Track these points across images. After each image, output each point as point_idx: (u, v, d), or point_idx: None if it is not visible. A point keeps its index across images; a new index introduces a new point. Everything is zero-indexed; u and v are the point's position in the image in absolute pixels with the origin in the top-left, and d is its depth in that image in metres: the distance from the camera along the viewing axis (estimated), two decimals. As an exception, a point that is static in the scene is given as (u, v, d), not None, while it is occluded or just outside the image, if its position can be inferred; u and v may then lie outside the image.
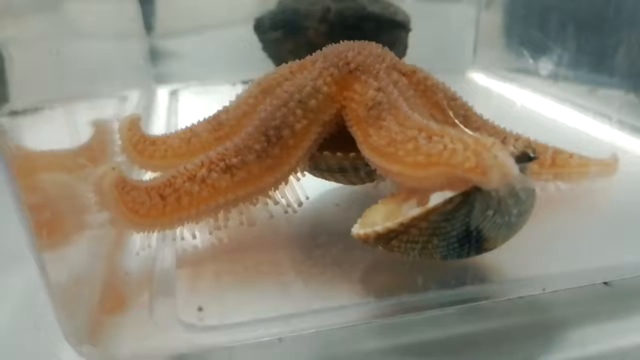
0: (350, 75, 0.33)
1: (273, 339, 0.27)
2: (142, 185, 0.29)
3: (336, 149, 0.32)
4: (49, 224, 0.24)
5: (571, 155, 0.39)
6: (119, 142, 0.36)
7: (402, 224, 0.26)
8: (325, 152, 0.32)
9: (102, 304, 0.28)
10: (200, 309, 0.27)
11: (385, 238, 0.27)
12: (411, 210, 0.26)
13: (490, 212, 0.26)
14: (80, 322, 0.25)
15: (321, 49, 0.36)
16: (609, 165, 0.40)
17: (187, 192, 0.29)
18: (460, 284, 0.30)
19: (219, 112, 0.36)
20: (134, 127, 0.36)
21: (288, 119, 0.31)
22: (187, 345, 0.27)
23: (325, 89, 0.32)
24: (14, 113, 0.25)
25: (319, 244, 0.33)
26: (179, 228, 0.31)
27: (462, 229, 0.26)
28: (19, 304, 0.31)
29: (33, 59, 0.28)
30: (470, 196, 0.25)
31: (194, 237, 0.33)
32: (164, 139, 0.36)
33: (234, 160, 0.30)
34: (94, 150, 0.33)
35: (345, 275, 0.30)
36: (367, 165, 0.31)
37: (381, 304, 0.28)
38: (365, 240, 0.27)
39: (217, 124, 0.35)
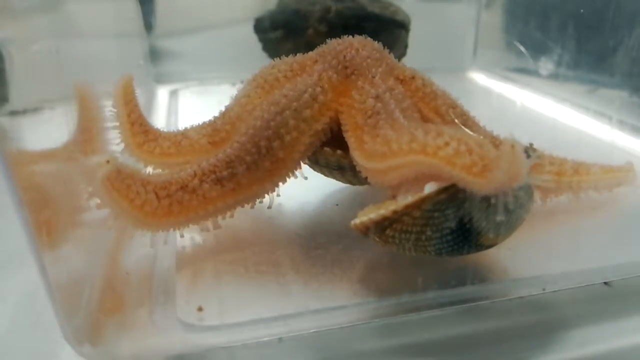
0: (347, 80, 0.32)
1: (273, 339, 0.27)
2: (139, 177, 0.29)
3: (337, 147, 0.32)
4: (48, 221, 0.24)
5: (591, 167, 0.38)
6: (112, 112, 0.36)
7: (395, 212, 0.26)
8: (326, 148, 0.32)
9: (102, 304, 0.28)
10: (200, 309, 0.27)
11: (380, 226, 0.27)
12: (405, 199, 0.26)
13: (484, 205, 0.25)
14: (80, 322, 0.25)
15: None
16: (629, 171, 0.39)
17: (179, 200, 0.29)
18: (460, 284, 0.30)
19: (215, 118, 0.36)
20: (130, 101, 0.35)
21: (279, 131, 0.31)
22: (187, 345, 0.27)
23: (321, 97, 0.32)
24: (14, 113, 0.25)
25: (319, 244, 0.33)
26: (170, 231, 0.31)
27: (455, 221, 0.26)
28: (19, 303, 0.31)
29: (33, 59, 0.28)
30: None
31: (182, 235, 0.32)
32: (156, 133, 0.35)
33: (224, 173, 0.30)
34: (82, 122, 0.32)
35: (345, 275, 0.30)
36: None
37: (381, 304, 0.29)
38: (362, 231, 0.28)
39: (212, 130, 0.35)
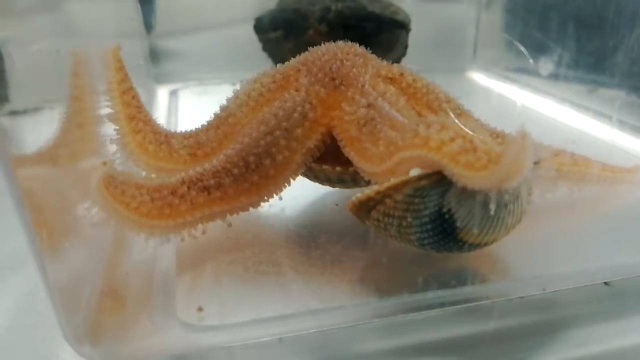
0: (336, 92, 0.32)
1: (273, 339, 0.27)
2: (133, 181, 0.29)
3: (333, 160, 0.32)
4: (48, 222, 0.24)
5: (591, 161, 0.38)
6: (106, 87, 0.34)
7: (378, 192, 0.27)
8: (325, 166, 0.32)
9: (102, 304, 0.28)
10: (200, 309, 0.27)
11: (366, 207, 0.28)
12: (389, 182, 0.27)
13: (465, 198, 0.25)
14: (80, 322, 0.25)
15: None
16: (633, 173, 0.39)
17: (169, 204, 0.29)
18: (460, 284, 0.30)
19: (198, 130, 0.35)
20: (120, 68, 0.34)
21: (270, 150, 0.30)
22: (187, 345, 0.27)
23: (311, 114, 0.31)
24: (14, 113, 0.25)
25: (319, 244, 0.33)
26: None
27: (434, 209, 0.26)
28: (19, 303, 0.31)
29: (33, 59, 0.28)
30: (447, 177, 0.25)
31: (182, 240, 0.32)
32: (147, 118, 0.35)
33: (211, 181, 0.30)
34: (74, 91, 0.32)
35: (345, 275, 0.30)
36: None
37: (381, 304, 0.29)
38: (355, 213, 0.28)
39: (195, 143, 0.34)
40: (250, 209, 0.32)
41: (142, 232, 0.30)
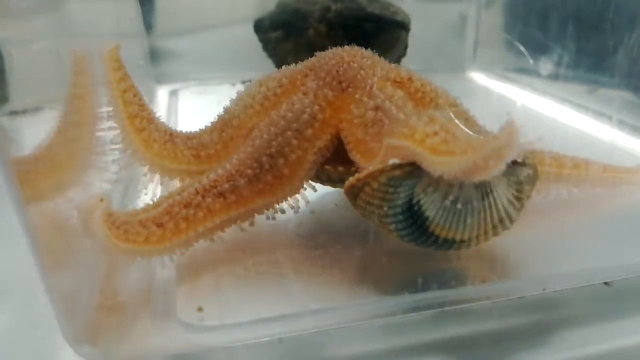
0: (344, 94, 0.32)
1: (273, 339, 0.27)
2: (135, 218, 0.29)
3: (338, 162, 0.32)
4: (47, 224, 0.24)
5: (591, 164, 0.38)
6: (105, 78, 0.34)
7: (358, 179, 0.28)
8: (327, 167, 0.32)
9: (102, 304, 0.28)
10: (200, 309, 0.27)
11: (352, 194, 0.29)
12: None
13: (431, 191, 0.26)
14: (80, 322, 0.25)
15: (321, 49, 0.35)
16: (635, 172, 0.39)
17: (184, 217, 0.29)
18: (461, 284, 0.30)
19: (202, 131, 0.35)
20: (119, 68, 0.34)
21: (283, 149, 0.31)
22: (187, 345, 0.27)
23: (320, 115, 0.32)
24: (14, 113, 0.25)
25: (319, 244, 0.33)
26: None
27: (406, 200, 0.26)
28: (20, 303, 0.31)
29: (33, 59, 0.28)
30: (420, 168, 0.25)
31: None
32: (151, 116, 0.34)
33: (226, 186, 0.30)
34: (74, 89, 0.32)
35: (345, 275, 0.30)
36: None
37: (381, 304, 0.29)
38: (348, 199, 0.29)
39: (199, 144, 0.34)
40: (265, 211, 0.32)
41: (161, 256, 0.29)
